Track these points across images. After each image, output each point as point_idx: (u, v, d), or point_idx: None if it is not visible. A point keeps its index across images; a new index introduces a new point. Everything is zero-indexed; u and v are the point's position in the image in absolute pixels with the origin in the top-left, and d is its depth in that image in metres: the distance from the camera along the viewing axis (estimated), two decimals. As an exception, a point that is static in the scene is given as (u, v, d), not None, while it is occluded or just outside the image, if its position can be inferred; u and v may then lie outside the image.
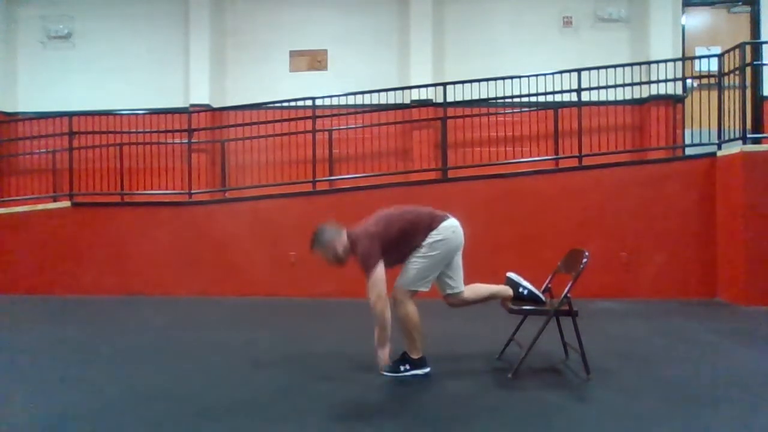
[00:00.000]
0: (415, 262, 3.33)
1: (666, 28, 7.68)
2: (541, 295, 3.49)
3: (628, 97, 7.00)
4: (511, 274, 3.55)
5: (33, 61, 8.65)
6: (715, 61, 6.41)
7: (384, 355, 3.33)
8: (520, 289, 3.48)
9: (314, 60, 8.37)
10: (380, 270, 3.21)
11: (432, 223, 3.35)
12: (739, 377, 3.35)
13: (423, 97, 7.69)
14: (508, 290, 3.50)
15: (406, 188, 6.71)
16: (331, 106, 7.49)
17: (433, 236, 3.31)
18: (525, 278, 3.54)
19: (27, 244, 7.14)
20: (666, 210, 6.25)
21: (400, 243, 3.31)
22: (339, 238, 3.34)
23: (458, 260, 3.46)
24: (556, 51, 7.92)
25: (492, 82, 7.05)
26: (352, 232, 3.35)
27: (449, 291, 3.47)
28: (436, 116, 7.38)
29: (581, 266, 3.29)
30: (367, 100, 7.54)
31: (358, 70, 8.12)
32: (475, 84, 7.09)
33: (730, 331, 4.68)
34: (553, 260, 3.79)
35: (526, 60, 7.82)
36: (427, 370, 3.40)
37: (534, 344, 3.35)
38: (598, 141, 6.88)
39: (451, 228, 3.37)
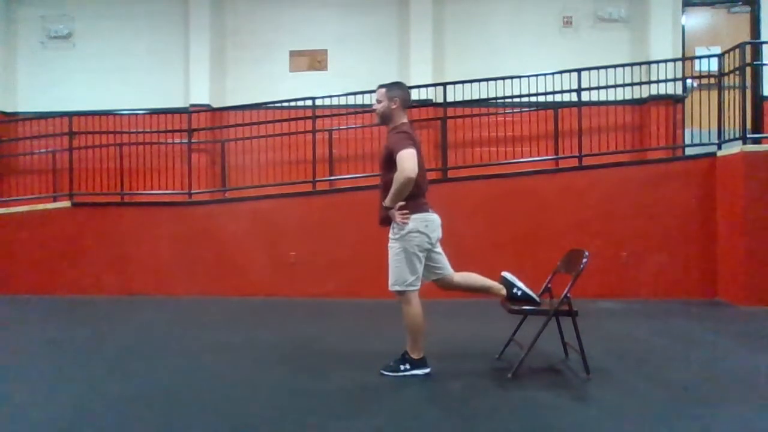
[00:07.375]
0: (396, 257, 3.33)
1: (666, 28, 7.67)
2: (535, 297, 3.47)
3: (628, 97, 6.99)
4: (506, 274, 3.54)
5: (33, 61, 8.64)
6: (715, 61, 6.41)
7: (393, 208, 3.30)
8: (515, 290, 3.47)
9: (314, 60, 8.37)
10: (412, 151, 3.24)
11: (424, 202, 3.39)
12: (739, 377, 3.35)
13: (423, 97, 7.67)
14: (501, 288, 3.51)
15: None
16: (331, 106, 7.48)
17: (409, 224, 3.29)
18: (524, 278, 3.53)
19: (27, 244, 7.13)
20: (666, 210, 6.25)
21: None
22: (400, 107, 3.45)
23: (438, 249, 3.50)
24: (556, 51, 7.92)
25: (492, 82, 7.05)
26: (403, 132, 3.36)
27: (435, 277, 3.52)
28: (436, 116, 7.37)
29: (581, 266, 3.29)
30: (367, 100, 7.49)
31: (358, 70, 8.10)
32: (475, 84, 7.08)
33: (730, 331, 4.68)
34: (553, 260, 3.79)
35: (526, 60, 7.81)
36: (428, 370, 3.41)
37: (534, 344, 3.35)
38: (598, 141, 6.87)
39: (425, 221, 3.36)
